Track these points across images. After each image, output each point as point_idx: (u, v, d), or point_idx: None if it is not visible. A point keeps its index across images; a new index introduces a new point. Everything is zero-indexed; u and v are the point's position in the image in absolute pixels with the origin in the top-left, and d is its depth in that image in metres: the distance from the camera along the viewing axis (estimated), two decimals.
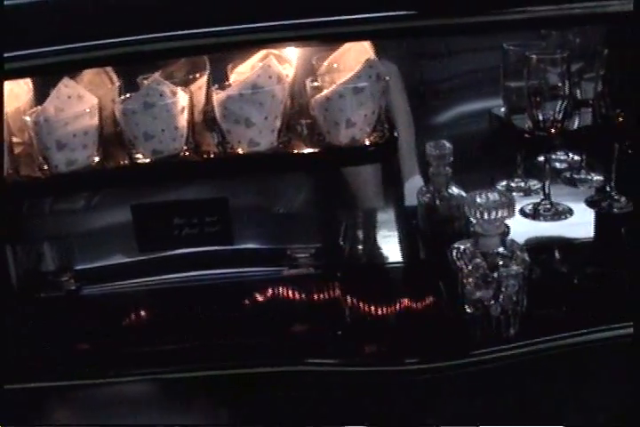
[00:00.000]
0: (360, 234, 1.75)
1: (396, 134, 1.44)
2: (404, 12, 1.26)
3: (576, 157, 1.80)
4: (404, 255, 1.67)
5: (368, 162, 1.52)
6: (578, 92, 1.63)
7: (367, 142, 1.41)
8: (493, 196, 1.32)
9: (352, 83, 1.35)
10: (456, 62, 1.77)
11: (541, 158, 1.75)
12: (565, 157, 1.81)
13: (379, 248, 1.71)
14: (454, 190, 1.60)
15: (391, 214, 1.80)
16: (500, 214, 1.30)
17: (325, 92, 1.37)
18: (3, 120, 1.36)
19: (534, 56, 1.49)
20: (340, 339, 1.41)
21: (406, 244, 1.69)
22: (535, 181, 1.74)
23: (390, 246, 1.70)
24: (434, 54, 1.76)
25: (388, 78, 1.41)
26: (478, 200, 1.31)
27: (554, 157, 1.81)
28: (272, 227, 1.73)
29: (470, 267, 1.33)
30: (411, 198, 1.69)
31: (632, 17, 1.22)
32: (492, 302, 1.34)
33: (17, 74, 1.34)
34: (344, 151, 1.41)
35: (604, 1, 1.26)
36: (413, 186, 1.70)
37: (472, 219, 1.32)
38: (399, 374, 1.35)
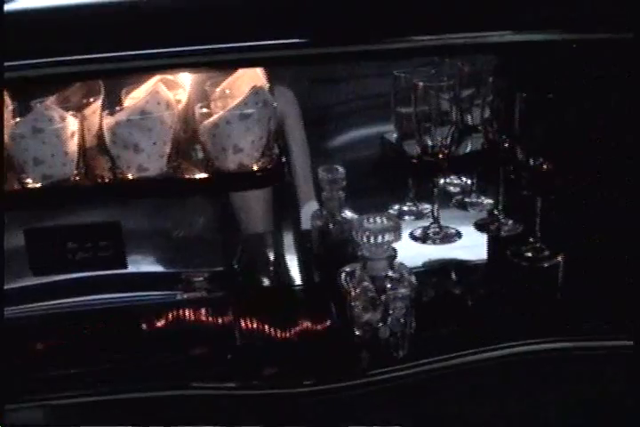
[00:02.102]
0: (255, 258, 1.75)
1: (284, 159, 1.46)
2: (297, 40, 1.27)
3: (469, 181, 1.84)
4: (298, 279, 1.68)
5: (256, 187, 1.53)
6: (469, 117, 1.67)
7: (255, 168, 1.42)
8: (380, 220, 1.34)
9: (238, 109, 1.37)
10: (350, 88, 1.80)
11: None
12: (458, 182, 1.85)
13: (274, 272, 1.72)
14: (347, 214, 1.63)
15: (287, 238, 1.82)
16: (386, 238, 1.32)
17: (213, 118, 1.38)
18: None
19: (421, 83, 1.52)
20: (232, 362, 1.41)
21: (300, 267, 1.71)
22: (427, 205, 1.77)
23: (285, 270, 1.71)
24: (329, 80, 1.78)
25: (275, 105, 1.43)
26: (365, 224, 1.34)
27: (447, 181, 1.85)
28: (167, 251, 1.73)
29: (358, 290, 1.35)
30: (307, 222, 1.70)
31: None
32: (381, 324, 1.36)
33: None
34: (232, 177, 1.42)
35: (484, 32, 1.30)
36: (309, 210, 1.72)
37: (359, 243, 1.34)
38: (291, 397, 1.35)
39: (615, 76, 1.46)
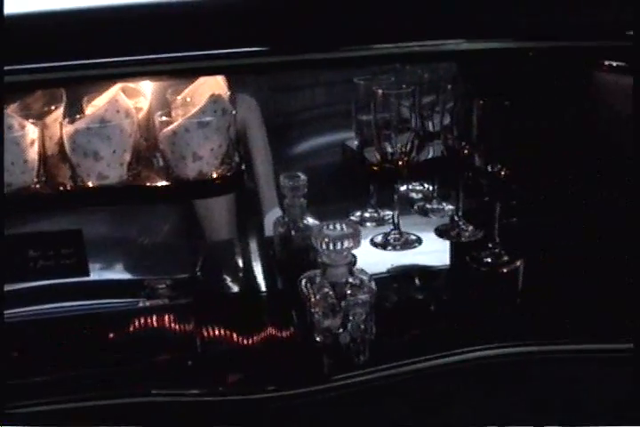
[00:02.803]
0: (218, 264, 1.76)
1: (243, 167, 1.46)
2: (257, 48, 1.28)
3: (431, 188, 1.85)
4: (261, 285, 1.69)
5: (215, 194, 1.54)
6: (430, 124, 1.68)
7: (215, 175, 1.42)
8: (340, 227, 1.35)
9: (197, 117, 1.37)
10: (312, 95, 1.81)
11: (401, 188, 1.81)
12: (420, 188, 1.87)
13: (236, 278, 1.72)
14: (310, 221, 1.63)
15: (250, 245, 1.83)
16: (345, 245, 1.33)
17: (172, 126, 1.38)
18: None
19: (380, 90, 1.53)
20: (196, 369, 1.42)
21: (263, 274, 1.71)
22: (389, 212, 1.78)
23: (248, 277, 1.72)
24: (291, 88, 1.79)
25: (234, 113, 1.43)
26: (324, 231, 1.34)
27: (410, 187, 1.87)
28: (130, 258, 1.73)
29: (318, 296, 1.36)
30: (270, 229, 1.70)
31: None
32: (341, 330, 1.37)
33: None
34: (192, 184, 1.43)
35: (441, 40, 1.31)
36: (272, 217, 1.72)
37: (319, 250, 1.35)
38: (255, 403, 1.36)
39: (571, 83, 1.47)
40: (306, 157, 1.82)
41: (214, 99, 1.39)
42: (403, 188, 1.86)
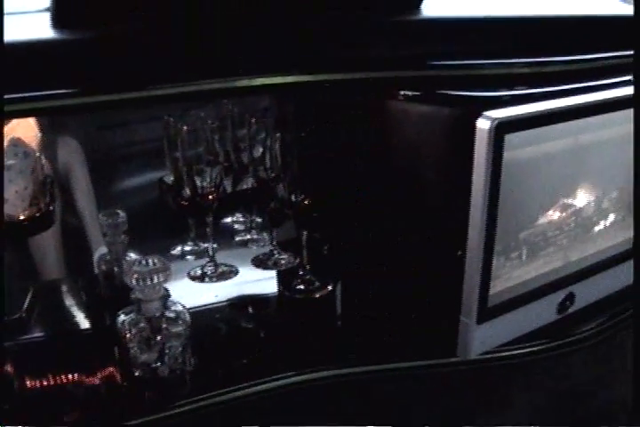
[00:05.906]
0: (46, 304, 1.75)
1: (52, 208, 1.47)
2: (64, 91, 1.30)
3: (258, 219, 1.88)
4: (87, 323, 1.69)
5: (23, 236, 1.55)
6: (246, 157, 1.72)
7: (22, 217, 1.43)
8: (152, 262, 1.38)
9: None
10: (133, 132, 1.82)
11: (226, 220, 1.85)
12: (243, 219, 1.90)
13: (64, 318, 1.71)
14: (132, 257, 1.65)
15: (79, 283, 1.82)
16: (156, 280, 1.36)
17: None
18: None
19: (185, 127, 1.56)
20: (22, 409, 1.42)
21: (90, 312, 1.72)
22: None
23: (74, 315, 1.72)
24: (111, 125, 1.80)
25: (37, 155, 1.44)
26: (134, 268, 1.37)
27: (234, 219, 1.90)
28: None
29: (134, 331, 1.39)
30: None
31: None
32: (159, 363, 1.40)
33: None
34: None
35: (234, 77, 1.36)
36: (100, 254, 1.73)
37: (130, 286, 1.38)
38: None
39: (366, 112, 1.53)
40: (128, 194, 1.82)
41: (14, 142, 1.39)
42: (228, 219, 1.90)
